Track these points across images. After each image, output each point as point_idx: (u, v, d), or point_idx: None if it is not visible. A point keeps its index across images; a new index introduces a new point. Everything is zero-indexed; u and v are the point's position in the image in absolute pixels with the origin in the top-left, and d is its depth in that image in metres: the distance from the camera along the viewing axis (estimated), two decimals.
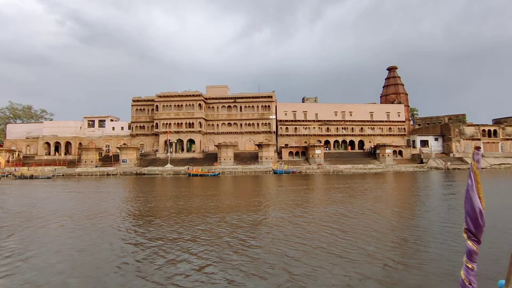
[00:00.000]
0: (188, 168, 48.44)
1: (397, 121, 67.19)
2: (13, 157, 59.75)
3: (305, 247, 8.34)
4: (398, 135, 66.56)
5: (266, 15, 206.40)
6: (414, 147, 63.63)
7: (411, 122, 78.92)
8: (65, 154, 61.91)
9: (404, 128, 67.45)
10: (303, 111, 65.22)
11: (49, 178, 44.08)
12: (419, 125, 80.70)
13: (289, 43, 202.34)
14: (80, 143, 62.86)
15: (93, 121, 67.48)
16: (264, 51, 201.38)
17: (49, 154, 62.15)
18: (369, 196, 20.01)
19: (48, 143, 62.64)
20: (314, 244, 8.73)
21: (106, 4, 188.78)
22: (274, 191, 24.35)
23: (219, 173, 47.56)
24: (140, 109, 64.72)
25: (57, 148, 63.17)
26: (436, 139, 64.54)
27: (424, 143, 64.42)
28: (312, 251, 8.07)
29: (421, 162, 57.48)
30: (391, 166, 54.53)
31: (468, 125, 63.91)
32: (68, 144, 62.86)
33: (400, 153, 61.00)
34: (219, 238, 9.57)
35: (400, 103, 70.81)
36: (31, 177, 44.04)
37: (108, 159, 57.85)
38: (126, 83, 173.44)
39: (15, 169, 49.70)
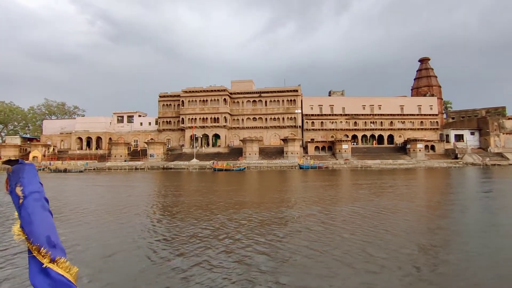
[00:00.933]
0: (213, 163, 48.66)
1: (429, 115, 64.10)
2: (48, 152, 62.65)
3: (324, 255, 7.74)
4: (431, 129, 63.53)
5: (290, 10, 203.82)
6: (447, 141, 60.51)
7: (445, 116, 75.02)
8: (96, 148, 64.15)
9: (436, 122, 64.26)
10: (330, 105, 63.66)
11: (81, 171, 45.82)
12: (453, 118, 76.60)
13: (314, 37, 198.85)
14: (110, 138, 64.85)
15: (122, 116, 69.42)
16: (289, 45, 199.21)
17: (81, 148, 64.64)
18: (399, 193, 18.97)
19: (80, 138, 65.15)
20: (336, 249, 8.13)
21: (134, 3, 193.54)
22: (300, 187, 23.74)
23: (244, 167, 47.41)
24: (167, 105, 65.76)
25: (88, 143, 65.57)
26: (472, 133, 60.99)
27: (459, 138, 61.07)
28: (333, 256, 7.48)
29: (456, 157, 54.52)
30: (422, 161, 52.14)
31: (509, 118, 59.81)
32: (99, 139, 65.07)
33: (433, 148, 58.20)
34: (244, 237, 9.19)
35: (432, 95, 67.46)
36: (65, 170, 45.97)
37: (136, 154, 59.34)
38: (153, 80, 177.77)
39: (50, 163, 52.13)
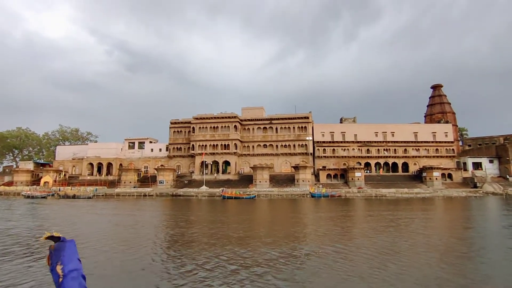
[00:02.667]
0: (223, 190, 47.69)
1: (445, 142, 62.38)
2: (59, 177, 62.88)
3: None
4: (447, 156, 61.56)
5: (299, 40, 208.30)
6: (465, 169, 58.33)
7: (460, 143, 73.03)
8: (107, 174, 64.12)
9: (453, 149, 62.38)
10: (341, 132, 62.79)
11: (90, 198, 45.38)
12: (469, 146, 74.44)
13: (324, 65, 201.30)
14: (120, 164, 64.93)
15: (133, 143, 69.86)
16: (299, 73, 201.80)
17: (92, 174, 64.72)
18: (419, 228, 17.64)
19: (91, 164, 65.42)
20: None
21: (150, 34, 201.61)
22: (313, 219, 22.55)
23: (255, 195, 46.23)
24: (178, 131, 66.02)
25: (99, 169, 65.72)
26: (491, 161, 58.76)
27: (477, 166, 58.86)
28: None
29: (475, 186, 52.23)
30: (440, 190, 50.03)
31: None
32: (109, 165, 65.20)
33: (450, 176, 56.08)
34: (255, 277, 8.20)
35: (447, 122, 66.02)
36: (74, 196, 45.63)
37: (146, 180, 58.94)
38: (165, 107, 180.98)
39: (59, 189, 51.97)
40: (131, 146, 69.90)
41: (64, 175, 64.72)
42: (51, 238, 1.45)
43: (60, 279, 1.35)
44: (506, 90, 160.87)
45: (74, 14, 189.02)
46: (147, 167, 65.92)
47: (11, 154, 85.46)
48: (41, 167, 67.82)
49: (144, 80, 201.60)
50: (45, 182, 58.57)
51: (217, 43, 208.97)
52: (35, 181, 62.08)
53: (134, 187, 55.48)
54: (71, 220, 21.72)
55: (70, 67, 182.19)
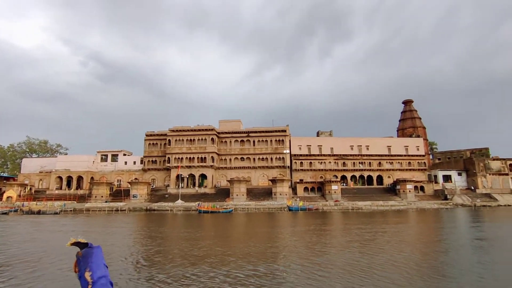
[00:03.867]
0: (199, 205, 46.59)
1: (417, 155, 64.45)
2: (24, 192, 59.34)
3: None
4: (419, 169, 63.51)
5: (276, 55, 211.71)
6: (436, 182, 60.29)
7: (431, 157, 75.73)
8: (77, 188, 61.20)
9: (424, 163, 64.48)
10: (318, 145, 63.52)
11: (57, 213, 42.94)
12: (439, 159, 77.33)
13: (300, 80, 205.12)
14: (92, 178, 62.25)
15: (106, 155, 67.43)
16: (276, 87, 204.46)
17: (61, 188, 61.56)
18: (395, 241, 17.71)
19: (60, 178, 62.32)
20: None
21: (126, 45, 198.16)
22: (290, 233, 22.22)
23: (232, 209, 45.44)
24: (153, 144, 64.43)
25: (69, 183, 62.66)
26: (459, 174, 61.15)
27: (447, 178, 61.04)
28: None
29: (445, 198, 53.95)
30: (413, 202, 51.28)
31: (494, 159, 60.50)
32: (80, 178, 62.36)
33: (422, 188, 57.70)
34: None
35: (418, 136, 68.45)
36: (39, 212, 42.99)
37: (119, 194, 56.69)
38: (141, 119, 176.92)
39: (23, 204, 48.90)
40: (104, 158, 67.39)
41: (30, 189, 61.15)
42: (77, 244, 1.44)
43: (90, 286, 1.36)
44: (470, 107, 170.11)
45: (48, 24, 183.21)
46: (120, 180, 63.57)
47: None
48: (4, 181, 63.79)
49: (119, 92, 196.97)
50: (8, 197, 54.99)
51: (195, 56, 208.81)
52: None
53: (106, 202, 53.15)
54: (14, 238, 20.20)
55: (41, 77, 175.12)
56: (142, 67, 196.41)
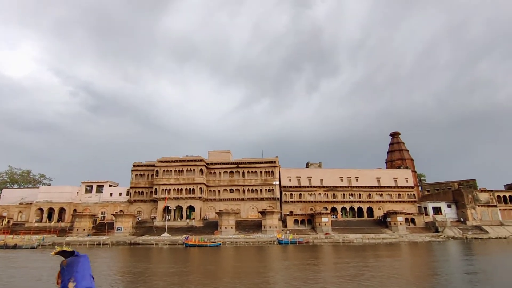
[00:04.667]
0: (186, 238, 44.83)
1: (406, 187, 64.56)
2: (2, 224, 56.38)
3: None
4: (408, 201, 63.33)
5: (263, 89, 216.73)
6: (426, 214, 59.96)
7: (420, 188, 76.04)
8: (58, 221, 58.54)
9: (414, 194, 64.50)
10: (308, 177, 63.19)
11: (34, 248, 40.57)
12: (428, 191, 77.69)
13: (288, 113, 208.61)
14: (75, 210, 59.89)
15: (91, 186, 65.42)
16: (265, 119, 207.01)
17: (41, 221, 58.79)
18: (388, 277, 17.02)
19: (41, 209, 59.73)
20: None
21: (116, 77, 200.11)
22: (279, 269, 21.23)
23: (220, 243, 43.81)
24: (140, 174, 63.05)
25: (50, 215, 60.02)
26: (449, 206, 61.12)
27: (437, 210, 60.86)
28: None
29: (437, 231, 53.40)
30: (405, 235, 50.54)
31: (482, 191, 61.00)
32: (62, 210, 59.88)
33: (413, 221, 57.17)
34: None
35: (406, 168, 69.02)
36: (14, 246, 40.54)
37: (102, 227, 54.33)
38: (128, 149, 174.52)
39: None
40: (89, 190, 65.29)
41: (8, 221, 58.22)
42: (61, 253, 1.35)
43: None
44: (453, 140, 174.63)
45: (39, 55, 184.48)
46: (104, 212, 61.28)
47: None
48: None
49: (107, 122, 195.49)
50: None
51: (185, 88, 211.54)
52: None
53: (88, 235, 50.73)
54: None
55: (28, 106, 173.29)
56: (132, 98, 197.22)
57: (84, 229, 52.66)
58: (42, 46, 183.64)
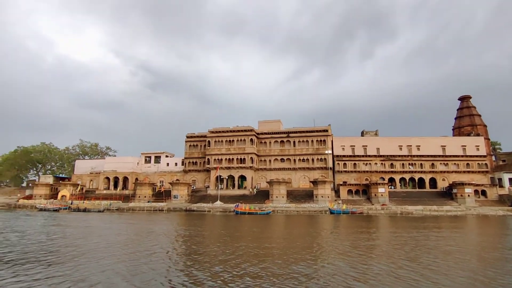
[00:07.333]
0: (237, 205, 45.63)
1: (476, 156, 57.90)
2: (76, 191, 62.97)
3: None
4: (479, 172, 56.95)
5: (314, 59, 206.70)
6: (501, 186, 53.50)
7: (493, 158, 67.79)
8: (123, 188, 63.64)
9: (486, 164, 57.70)
10: (363, 146, 59.70)
11: (101, 211, 44.60)
12: (504, 161, 68.83)
13: (340, 82, 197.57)
14: (136, 178, 64.39)
15: (150, 157, 69.50)
16: (316, 90, 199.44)
17: (108, 188, 64.43)
18: (456, 252, 14.96)
19: (108, 178, 65.29)
20: None
21: (171, 55, 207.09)
22: (327, 236, 20.14)
23: (270, 211, 43.86)
24: (193, 145, 65.11)
25: (116, 183, 65.44)
26: None
27: None
28: None
29: None
30: (473, 208, 45.78)
31: None
32: (125, 179, 64.81)
33: (483, 193, 51.44)
34: None
35: (478, 135, 61.51)
36: (85, 210, 45.04)
37: (161, 195, 57.87)
38: (183, 122, 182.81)
39: (71, 202, 51.82)
40: (147, 160, 69.52)
41: (81, 189, 64.83)
42: None
43: None
44: None
45: (101, 39, 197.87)
46: (162, 181, 65.01)
47: (34, 169, 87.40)
48: (60, 181, 68.37)
49: (164, 98, 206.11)
50: (62, 196, 58.66)
51: (235, 62, 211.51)
52: (54, 194, 62.37)
53: (149, 202, 54.41)
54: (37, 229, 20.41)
55: (96, 87, 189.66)
56: (186, 74, 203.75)
57: (145, 196, 56.56)
58: (104, 30, 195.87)
